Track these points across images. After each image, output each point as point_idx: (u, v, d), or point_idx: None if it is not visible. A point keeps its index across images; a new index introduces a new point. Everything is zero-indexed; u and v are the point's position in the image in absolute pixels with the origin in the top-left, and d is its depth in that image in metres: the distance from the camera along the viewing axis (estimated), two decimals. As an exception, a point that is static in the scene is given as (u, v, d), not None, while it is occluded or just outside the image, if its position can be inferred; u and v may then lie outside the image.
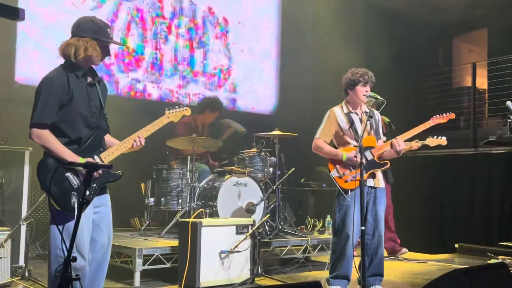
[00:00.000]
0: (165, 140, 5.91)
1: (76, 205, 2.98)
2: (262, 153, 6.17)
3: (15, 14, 3.56)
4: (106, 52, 3.31)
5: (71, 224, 2.93)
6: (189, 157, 5.76)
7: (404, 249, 6.68)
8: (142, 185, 6.14)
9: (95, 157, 3.22)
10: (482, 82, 9.82)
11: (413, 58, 9.63)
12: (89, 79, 3.32)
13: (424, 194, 8.47)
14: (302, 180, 7.98)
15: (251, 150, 6.25)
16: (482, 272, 3.76)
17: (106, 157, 3.27)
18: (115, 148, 3.32)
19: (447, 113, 4.85)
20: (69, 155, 3.08)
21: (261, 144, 6.18)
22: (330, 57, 7.98)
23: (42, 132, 3.10)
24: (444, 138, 5.03)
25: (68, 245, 2.52)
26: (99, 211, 3.31)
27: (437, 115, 4.84)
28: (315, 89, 8.70)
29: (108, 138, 3.43)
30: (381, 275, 4.66)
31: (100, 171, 3.19)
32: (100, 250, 3.34)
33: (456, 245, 7.41)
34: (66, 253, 2.38)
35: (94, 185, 3.20)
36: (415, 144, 4.97)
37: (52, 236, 3.12)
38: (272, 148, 6.33)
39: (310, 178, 7.95)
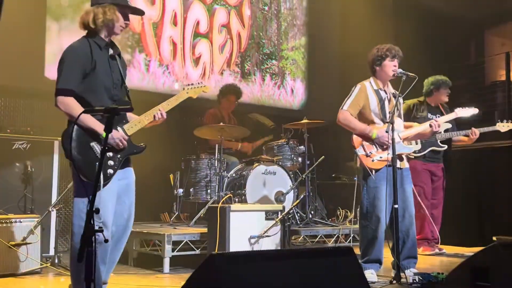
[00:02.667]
0: (193, 132, 5.91)
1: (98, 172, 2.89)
2: (291, 142, 6.09)
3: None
4: (125, 18, 3.29)
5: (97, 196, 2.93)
6: (216, 145, 5.72)
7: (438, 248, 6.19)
8: (171, 176, 6.11)
9: (118, 128, 3.23)
10: (517, 77, 9.56)
11: (444, 53, 9.44)
12: (111, 51, 3.32)
13: (461, 187, 8.22)
14: (333, 175, 7.86)
15: (280, 140, 6.19)
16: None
17: (129, 129, 3.28)
18: (137, 121, 3.32)
19: (472, 108, 4.84)
20: (93, 122, 3.09)
21: (290, 132, 6.11)
22: (358, 53, 7.86)
23: (68, 99, 3.08)
24: None
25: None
26: (122, 184, 3.30)
27: (461, 108, 4.83)
28: (343, 84, 8.58)
29: (129, 114, 3.39)
30: (415, 257, 4.51)
31: (126, 143, 3.21)
32: (122, 223, 3.33)
33: (494, 238, 7.14)
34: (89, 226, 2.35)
35: (119, 156, 3.22)
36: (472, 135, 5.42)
37: (76, 208, 3.11)
38: (300, 138, 6.25)
39: (341, 172, 7.82)
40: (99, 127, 3.08)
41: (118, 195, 3.26)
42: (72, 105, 3.07)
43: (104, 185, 3.08)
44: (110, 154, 3.19)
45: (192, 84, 3.57)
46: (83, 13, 3.25)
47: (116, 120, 3.15)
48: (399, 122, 4.50)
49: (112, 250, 3.30)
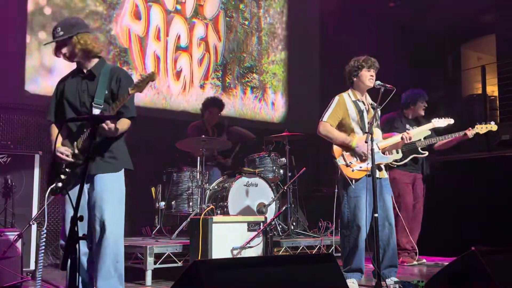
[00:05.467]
0: (174, 144, 5.92)
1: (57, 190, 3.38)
2: (272, 154, 6.14)
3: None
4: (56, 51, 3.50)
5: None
6: (198, 158, 5.74)
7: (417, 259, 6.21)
8: (153, 189, 6.10)
9: (74, 143, 3.39)
10: (493, 90, 9.76)
11: (422, 67, 9.59)
12: (85, 72, 3.51)
13: (440, 199, 8.31)
14: (315, 187, 7.93)
15: (261, 152, 6.25)
16: (499, 254, 3.69)
17: (78, 144, 3.39)
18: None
19: (447, 118, 5.03)
20: (53, 138, 3.44)
21: (271, 145, 6.16)
22: (337, 66, 7.95)
23: (50, 127, 3.55)
24: (493, 123, 5.19)
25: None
26: (91, 195, 3.44)
27: (437, 118, 5.01)
28: (323, 97, 8.68)
29: (122, 122, 3.44)
30: (396, 266, 4.56)
31: (70, 159, 3.36)
32: (97, 234, 3.41)
33: (472, 248, 7.22)
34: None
35: (67, 170, 3.39)
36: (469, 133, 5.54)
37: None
38: (282, 151, 6.31)
39: (322, 184, 7.89)
40: (52, 143, 3.32)
41: (90, 207, 3.42)
42: (50, 132, 3.58)
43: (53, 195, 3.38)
44: (66, 169, 3.39)
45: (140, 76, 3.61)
46: None
47: (76, 135, 3.39)
48: (377, 132, 4.58)
49: (96, 262, 3.44)
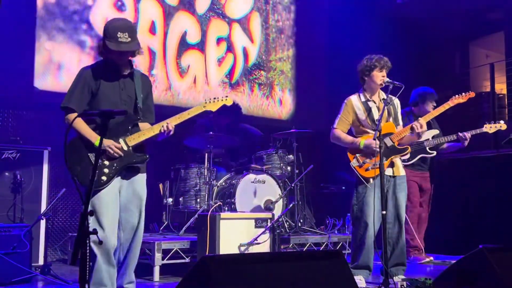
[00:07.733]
0: (182, 141, 5.93)
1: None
2: (280, 151, 6.15)
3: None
4: (114, 53, 3.39)
5: (95, 199, 3.28)
6: (206, 154, 5.75)
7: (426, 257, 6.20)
8: (160, 185, 6.13)
9: (120, 140, 3.42)
10: (502, 88, 9.72)
11: (430, 64, 9.56)
12: (125, 72, 3.50)
13: (448, 197, 8.31)
14: (322, 184, 7.93)
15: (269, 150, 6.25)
16: (507, 252, 3.68)
17: (130, 140, 3.45)
18: (141, 133, 3.49)
19: (467, 92, 4.81)
20: (91, 135, 3.33)
21: (279, 141, 6.16)
22: (345, 63, 7.95)
23: (70, 115, 3.37)
24: (502, 122, 5.11)
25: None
26: (127, 193, 3.51)
27: (457, 95, 4.81)
28: (331, 94, 8.67)
29: (144, 126, 3.61)
30: (404, 264, 4.56)
31: (118, 151, 3.37)
32: (131, 230, 3.53)
33: (480, 246, 7.20)
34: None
35: (115, 164, 3.38)
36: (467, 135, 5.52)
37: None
38: (289, 148, 6.31)
39: (330, 182, 7.89)
40: (92, 138, 3.33)
41: (123, 203, 3.47)
42: (75, 120, 3.28)
43: (97, 191, 3.27)
44: (106, 162, 3.36)
45: (214, 98, 3.73)
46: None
47: (118, 131, 3.43)
48: (390, 127, 4.55)
49: (124, 255, 3.56)
